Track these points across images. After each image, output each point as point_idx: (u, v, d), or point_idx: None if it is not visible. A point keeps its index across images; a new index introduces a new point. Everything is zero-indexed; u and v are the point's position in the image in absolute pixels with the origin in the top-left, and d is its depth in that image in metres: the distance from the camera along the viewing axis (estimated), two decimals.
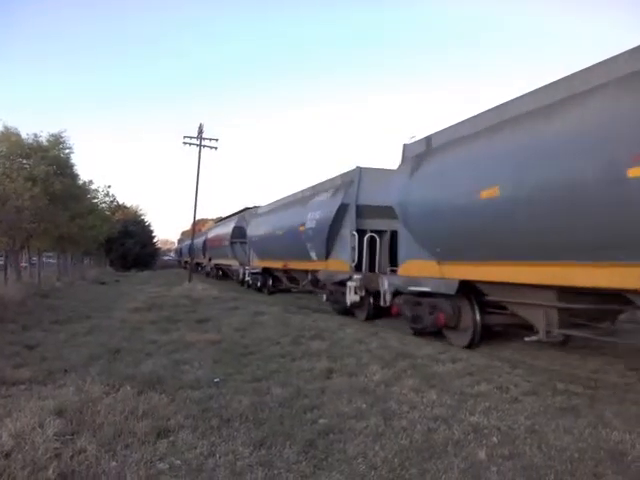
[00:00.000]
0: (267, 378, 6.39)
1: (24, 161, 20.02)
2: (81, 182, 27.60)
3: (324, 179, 16.13)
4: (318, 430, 4.54)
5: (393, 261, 11.61)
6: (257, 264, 22.58)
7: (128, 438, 4.26)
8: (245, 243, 24.78)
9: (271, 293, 21.87)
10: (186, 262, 50.80)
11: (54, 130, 21.74)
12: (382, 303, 11.18)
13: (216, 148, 30.33)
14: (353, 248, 12.52)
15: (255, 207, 25.88)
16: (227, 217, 36.05)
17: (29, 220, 17.67)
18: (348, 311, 13.26)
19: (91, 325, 10.91)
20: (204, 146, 29.90)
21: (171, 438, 4.35)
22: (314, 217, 14.72)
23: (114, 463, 3.81)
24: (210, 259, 36.80)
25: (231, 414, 4.94)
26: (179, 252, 70.62)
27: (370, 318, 12.55)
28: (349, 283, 12.41)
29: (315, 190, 16.34)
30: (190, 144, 29.83)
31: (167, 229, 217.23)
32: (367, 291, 12.13)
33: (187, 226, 75.29)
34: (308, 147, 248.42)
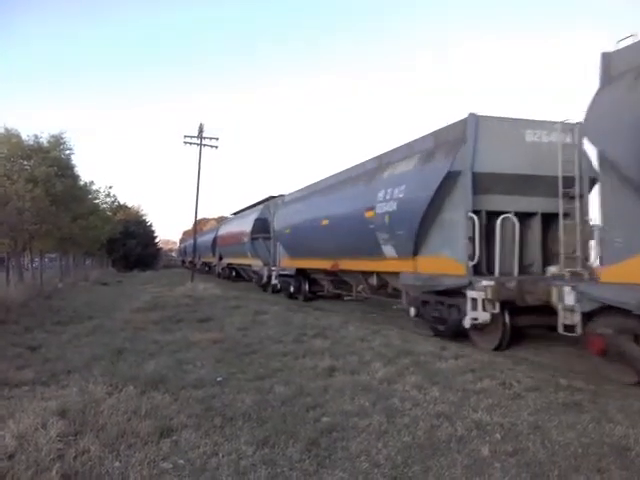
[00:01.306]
0: (270, 377, 6.39)
1: (25, 162, 20.06)
2: (82, 183, 27.68)
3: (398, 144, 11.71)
4: (321, 428, 4.54)
5: (523, 258, 9.14)
6: (288, 264, 18.50)
7: (131, 438, 4.26)
8: (269, 239, 20.85)
9: (308, 300, 17.81)
10: (190, 262, 48.23)
11: (54, 131, 21.78)
12: (561, 329, 7.42)
13: (216, 147, 30.28)
14: (470, 239, 8.65)
15: (281, 196, 21.36)
16: (244, 209, 30.55)
17: (31, 222, 17.71)
18: (461, 333, 9.16)
19: (93, 326, 10.93)
20: (204, 145, 29.86)
21: (174, 438, 4.35)
22: (393, 196, 10.55)
23: (117, 463, 3.81)
24: (221, 258, 33.33)
25: (234, 413, 4.94)
26: (183, 251, 66.88)
27: (503, 347, 8.54)
28: (471, 293, 8.50)
29: (387, 159, 11.83)
30: (191, 144, 29.81)
31: (169, 229, 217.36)
32: (502, 305, 8.32)
33: (189, 226, 75.39)
34: (310, 142, 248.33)
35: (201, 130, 29.75)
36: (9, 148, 19.49)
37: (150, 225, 63.04)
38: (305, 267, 17.21)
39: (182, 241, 79.68)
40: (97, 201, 32.93)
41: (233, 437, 4.38)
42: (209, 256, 38.86)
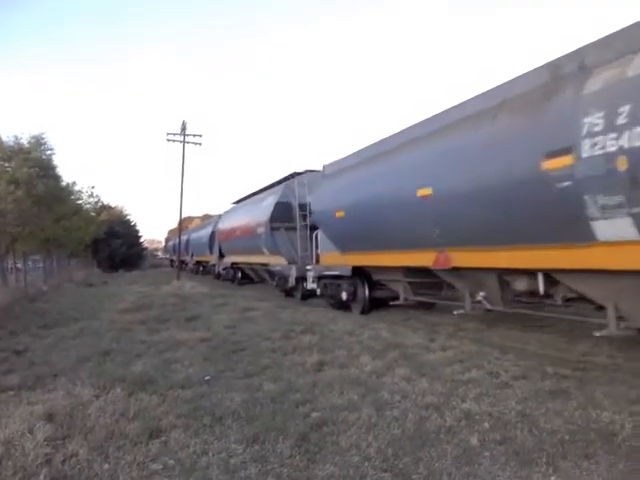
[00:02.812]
0: (258, 374, 6.37)
1: (6, 164, 19.80)
2: (64, 184, 27.36)
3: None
4: (311, 423, 4.54)
5: None
6: (336, 261, 12.81)
7: (120, 440, 4.23)
8: (293, 229, 16.23)
9: (365, 312, 12.37)
10: (181, 261, 43.12)
11: (35, 132, 21.52)
12: None
13: (200, 144, 30.12)
14: None
15: (311, 171, 16.43)
16: (252, 195, 23.59)
17: (13, 224, 17.50)
18: None
19: (79, 328, 10.81)
20: (188, 142, 29.68)
21: (163, 438, 4.32)
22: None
23: (107, 465, 3.78)
24: (222, 256, 27.22)
25: (223, 412, 4.93)
26: (171, 249, 58.35)
27: None
28: None
29: (593, 57, 5.86)
30: (174, 141, 29.62)
31: (153, 228, 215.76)
32: None
33: (173, 225, 74.73)
34: (293, 138, 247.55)
35: (184, 127, 29.57)
36: None
37: (134, 225, 62.48)
38: (370, 265, 11.57)
39: (168, 240, 78.57)
40: (80, 202, 32.66)
41: (223, 436, 4.36)
42: (205, 255, 33.09)
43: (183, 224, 38.77)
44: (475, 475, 3.53)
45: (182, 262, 44.05)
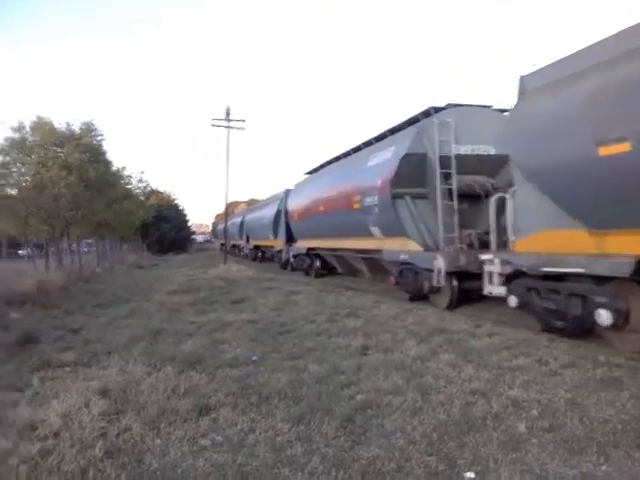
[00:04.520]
0: (304, 356, 6.46)
1: (58, 150, 20.48)
2: (115, 169, 28.16)
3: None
4: (356, 406, 4.58)
5: None
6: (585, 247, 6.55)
7: (171, 416, 4.38)
8: (424, 197, 11.14)
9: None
10: (234, 246, 42.62)
11: (86, 118, 22.21)
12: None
13: (244, 129, 30.43)
14: None
15: (450, 106, 11.30)
16: (345, 154, 16.93)
17: (66, 207, 18.16)
18: None
19: (131, 308, 11.20)
20: (232, 127, 29.99)
21: (212, 415, 4.45)
22: None
23: (158, 440, 3.93)
24: (292, 240, 22.41)
25: (270, 391, 5.02)
26: (221, 233, 50.18)
27: None
28: None
29: None
30: (218, 126, 29.96)
31: (200, 213, 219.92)
32: None
33: (220, 209, 75.93)
34: (337, 118, 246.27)
35: (228, 112, 29.87)
36: (42, 136, 19.91)
37: (182, 209, 63.94)
38: None
39: (216, 224, 79.13)
40: (130, 186, 33.47)
41: (269, 415, 4.45)
42: (267, 238, 27.50)
43: (229, 209, 39.04)
44: (522, 462, 3.48)
45: (235, 247, 42.95)
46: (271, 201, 27.79)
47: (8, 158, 19.14)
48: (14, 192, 19.20)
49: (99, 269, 23.67)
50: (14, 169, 19.40)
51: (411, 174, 10.97)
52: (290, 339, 7.56)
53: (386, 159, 11.96)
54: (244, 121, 30.43)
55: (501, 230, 8.78)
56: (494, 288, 8.64)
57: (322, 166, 19.72)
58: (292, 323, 8.80)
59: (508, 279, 8.35)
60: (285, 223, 23.22)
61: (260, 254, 32.32)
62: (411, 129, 11.72)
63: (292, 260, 22.08)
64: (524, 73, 7.73)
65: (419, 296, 11.39)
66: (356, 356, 6.38)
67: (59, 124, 20.99)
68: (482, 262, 8.88)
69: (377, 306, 10.49)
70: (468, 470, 3.40)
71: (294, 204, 21.28)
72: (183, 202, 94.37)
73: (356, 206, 13.33)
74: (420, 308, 10.22)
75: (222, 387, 5.18)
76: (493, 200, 9.04)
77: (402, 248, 11.46)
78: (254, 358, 6.39)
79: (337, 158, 17.76)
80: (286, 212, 22.86)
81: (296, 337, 7.67)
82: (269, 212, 26.46)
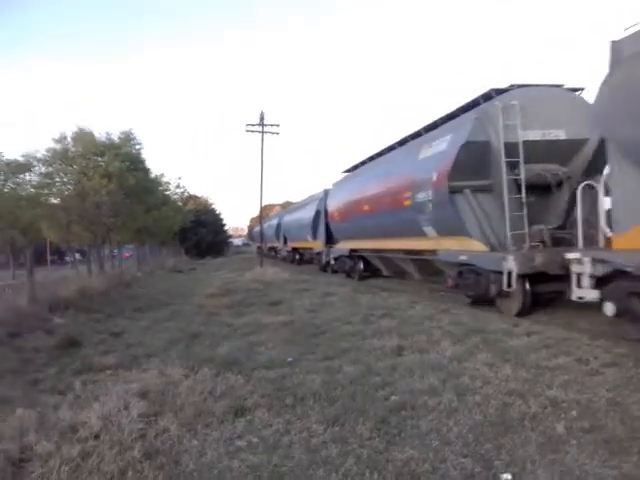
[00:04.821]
0: (338, 357, 6.47)
1: (99, 159, 21.11)
2: (153, 176, 28.82)
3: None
4: (390, 407, 4.57)
5: None
6: None
7: (208, 418, 4.46)
8: (488, 190, 9.91)
9: None
10: (271, 248, 41.74)
11: (124, 128, 22.84)
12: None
13: (278, 134, 30.64)
14: None
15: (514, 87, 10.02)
16: (389, 149, 15.49)
17: (108, 215, 18.69)
18: None
19: (170, 312, 11.44)
20: (266, 132, 30.25)
21: (248, 417, 4.51)
22: None
23: (195, 441, 4.01)
24: (331, 241, 21.37)
25: (304, 392, 5.05)
26: (257, 236, 45.91)
27: None
28: None
29: None
30: (253, 131, 30.26)
31: (236, 216, 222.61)
32: None
33: (255, 212, 76.62)
34: (371, 120, 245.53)
35: (262, 117, 30.14)
36: (84, 146, 20.57)
37: (219, 213, 64.87)
38: None
39: (252, 227, 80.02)
40: (168, 192, 34.27)
41: (304, 416, 4.47)
42: (305, 240, 26.38)
43: (264, 212, 39.20)
44: (561, 463, 3.41)
45: (272, 249, 42.03)
46: (309, 202, 26.87)
47: (51, 169, 19.84)
48: (57, 201, 19.87)
49: (139, 274, 24.23)
50: (57, 179, 20.10)
51: (472, 165, 9.71)
52: (325, 340, 7.59)
53: (441, 150, 10.68)
54: (278, 125, 30.70)
55: (588, 224, 7.73)
56: (586, 292, 7.33)
57: (363, 163, 18.37)
58: (327, 324, 8.82)
59: (600, 282, 7.20)
60: (325, 224, 22.21)
61: (298, 256, 31.33)
62: (469, 115, 10.46)
63: (333, 262, 21.26)
64: (616, 38, 6.77)
65: (483, 300, 10.04)
66: (391, 357, 6.35)
67: (99, 134, 21.71)
68: (567, 262, 7.75)
69: (412, 307, 10.42)
70: (505, 472, 3.36)
71: (334, 204, 20.05)
72: (219, 206, 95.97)
73: (406, 203, 12.11)
74: (454, 308, 10.07)
75: (258, 389, 5.24)
76: (579, 189, 8.02)
77: (461, 248, 10.24)
78: (289, 359, 6.44)
79: (379, 154, 16.44)
80: (326, 212, 21.78)
81: (331, 338, 7.69)
82: (308, 213, 25.61)
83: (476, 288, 9.93)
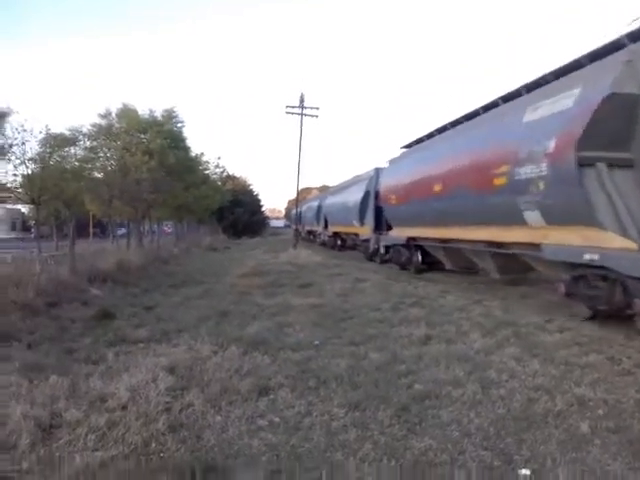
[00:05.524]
0: (365, 343, 6.48)
1: (142, 136, 21.46)
2: (193, 154, 29.14)
3: None
4: (413, 395, 4.56)
5: None
6: None
7: (232, 395, 4.54)
8: (629, 166, 6.99)
9: None
10: (310, 232, 40.03)
11: (167, 105, 23.13)
12: None
13: (317, 116, 30.60)
14: None
15: None
16: (473, 114, 12.35)
17: (148, 191, 19.05)
18: None
19: (203, 289, 11.65)
20: (305, 115, 30.21)
21: (271, 396, 4.58)
22: None
23: (218, 417, 4.09)
24: (381, 227, 19.00)
25: (328, 376, 5.08)
26: (295, 218, 38.46)
27: None
28: None
29: None
30: (292, 113, 30.26)
31: (274, 197, 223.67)
32: None
33: (293, 195, 76.79)
34: (412, 104, 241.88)
35: (302, 100, 30.09)
36: (128, 122, 20.94)
37: (257, 194, 65.28)
38: None
39: (289, 209, 79.92)
40: (207, 172, 34.59)
41: (327, 399, 4.51)
42: (350, 225, 23.53)
43: (301, 195, 38.99)
44: (582, 462, 3.36)
45: (310, 233, 41.16)
46: (356, 181, 23.80)
47: (95, 143, 20.27)
48: (100, 175, 20.34)
49: (176, 250, 24.65)
50: (101, 154, 20.54)
51: (612, 129, 6.94)
52: (353, 325, 7.60)
53: (564, 108, 7.70)
54: (318, 109, 30.66)
55: None
56: None
57: (430, 136, 15.10)
58: (356, 310, 8.84)
59: None
60: (374, 207, 19.56)
61: (340, 242, 28.31)
62: (613, 58, 7.36)
63: (383, 251, 18.51)
64: None
65: (616, 315, 7.41)
66: (417, 345, 6.33)
67: (142, 111, 22.01)
68: None
69: (443, 296, 10.33)
70: (524, 467, 3.32)
71: (389, 184, 16.89)
72: (257, 187, 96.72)
73: (497, 182, 9.28)
74: (487, 300, 9.91)
75: (283, 369, 5.31)
76: None
77: (587, 243, 7.35)
78: (316, 342, 6.49)
79: (455, 123, 13.31)
80: (376, 195, 19.11)
81: (359, 324, 7.70)
82: (355, 195, 22.25)
83: (609, 301, 7.25)
